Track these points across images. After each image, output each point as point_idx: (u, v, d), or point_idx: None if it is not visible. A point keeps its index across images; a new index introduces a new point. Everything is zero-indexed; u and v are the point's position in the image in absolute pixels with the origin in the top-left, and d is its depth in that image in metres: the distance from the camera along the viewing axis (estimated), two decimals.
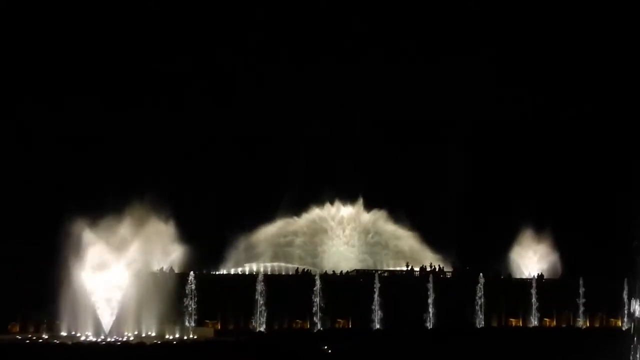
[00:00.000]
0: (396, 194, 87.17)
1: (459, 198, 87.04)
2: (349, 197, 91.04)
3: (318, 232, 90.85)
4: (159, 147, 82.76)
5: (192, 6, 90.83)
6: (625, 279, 66.09)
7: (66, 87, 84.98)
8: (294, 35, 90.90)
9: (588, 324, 72.79)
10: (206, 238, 72.31)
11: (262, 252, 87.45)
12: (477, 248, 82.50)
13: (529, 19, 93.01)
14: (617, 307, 69.60)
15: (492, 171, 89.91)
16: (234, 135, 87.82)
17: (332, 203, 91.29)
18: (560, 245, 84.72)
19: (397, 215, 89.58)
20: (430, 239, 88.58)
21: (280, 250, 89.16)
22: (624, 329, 66.18)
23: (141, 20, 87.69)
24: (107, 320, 58.21)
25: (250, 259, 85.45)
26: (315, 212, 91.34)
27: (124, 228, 58.84)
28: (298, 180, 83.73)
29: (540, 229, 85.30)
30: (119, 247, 58.01)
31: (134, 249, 58.65)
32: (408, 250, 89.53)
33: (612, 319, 72.70)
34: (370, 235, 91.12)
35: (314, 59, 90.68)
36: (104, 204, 59.96)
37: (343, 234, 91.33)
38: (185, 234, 65.23)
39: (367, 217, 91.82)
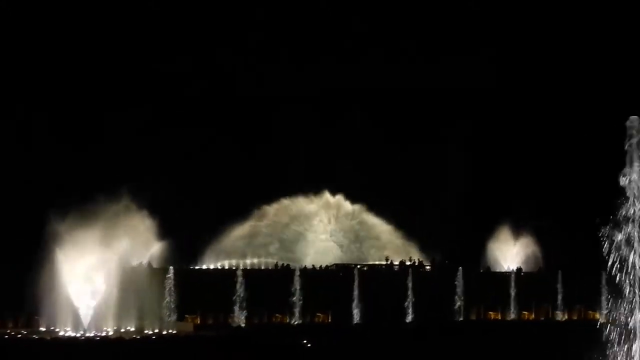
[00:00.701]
0: (379, 188, 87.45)
1: (439, 194, 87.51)
2: (331, 190, 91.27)
3: (298, 224, 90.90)
4: (150, 146, 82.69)
5: (192, 6, 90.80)
6: (603, 272, 66.43)
7: (66, 87, 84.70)
8: (294, 35, 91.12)
9: (566, 317, 73.24)
10: (186, 233, 72.19)
11: (241, 247, 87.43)
12: (456, 242, 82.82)
13: (528, 19, 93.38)
14: (595, 300, 70.02)
15: (477, 168, 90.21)
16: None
17: (315, 195, 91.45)
18: (539, 239, 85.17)
19: (379, 207, 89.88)
20: (410, 232, 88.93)
21: (259, 244, 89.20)
22: (601, 321, 66.60)
23: (141, 20, 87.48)
24: (85, 315, 57.92)
25: (229, 254, 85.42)
26: (294, 204, 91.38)
27: (103, 223, 58.52)
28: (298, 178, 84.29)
29: (519, 223, 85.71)
30: (98, 242, 57.70)
31: (113, 244, 58.36)
32: (388, 243, 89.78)
33: (590, 312, 73.15)
34: (351, 226, 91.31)
35: (314, 59, 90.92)
36: (86, 200, 59.70)
37: (324, 226, 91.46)
38: (165, 229, 65.10)
39: (349, 208, 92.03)
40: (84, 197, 60.84)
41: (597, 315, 70.66)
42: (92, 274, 58.17)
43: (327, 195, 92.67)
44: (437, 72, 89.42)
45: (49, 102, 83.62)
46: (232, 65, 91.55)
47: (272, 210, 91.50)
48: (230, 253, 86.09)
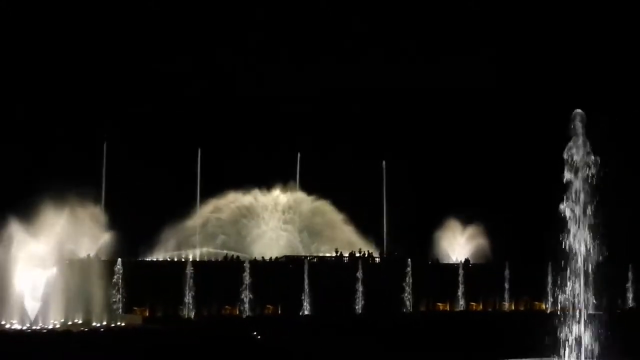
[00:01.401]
0: (332, 181, 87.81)
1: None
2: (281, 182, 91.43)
3: (246, 216, 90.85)
4: None
5: (192, 6, 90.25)
6: (549, 263, 67.47)
7: (65, 86, 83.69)
8: (294, 35, 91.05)
9: (513, 308, 74.22)
10: (136, 224, 71.75)
11: (190, 238, 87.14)
12: (404, 234, 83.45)
13: (529, 19, 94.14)
14: (541, 291, 71.07)
15: (420, 161, 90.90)
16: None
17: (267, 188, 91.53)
18: (487, 230, 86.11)
19: (331, 199, 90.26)
20: (360, 224, 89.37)
21: (208, 236, 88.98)
22: (548, 312, 67.61)
23: (141, 20, 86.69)
24: (32, 308, 57.25)
25: (179, 246, 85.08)
26: (243, 197, 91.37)
27: (51, 213, 57.87)
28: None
29: (467, 214, 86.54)
30: (45, 233, 57.07)
31: (60, 235, 57.73)
32: (339, 236, 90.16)
33: (536, 303, 74.21)
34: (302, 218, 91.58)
35: (314, 59, 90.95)
36: (31, 188, 59.11)
37: (272, 218, 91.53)
38: (114, 221, 64.64)
39: (302, 199, 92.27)
40: (34, 191, 60.25)
41: (543, 306, 71.77)
42: (38, 266, 57.46)
43: (279, 188, 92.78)
44: (437, 72, 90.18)
45: (48, 101, 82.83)
46: (232, 65, 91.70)
47: (222, 202, 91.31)
48: (180, 245, 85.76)
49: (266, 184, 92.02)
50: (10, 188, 67.20)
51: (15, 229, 56.67)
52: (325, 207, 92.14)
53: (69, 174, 61.43)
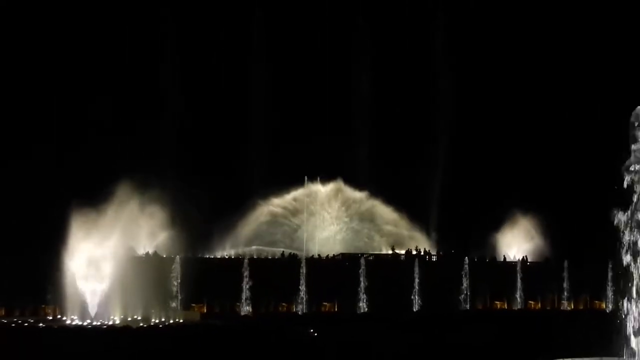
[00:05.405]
0: (383, 177, 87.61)
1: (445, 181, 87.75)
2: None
3: (304, 212, 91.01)
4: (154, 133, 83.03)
5: (191, 6, 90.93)
6: (610, 262, 66.50)
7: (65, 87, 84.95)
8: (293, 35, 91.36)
9: (572, 307, 73.31)
10: (193, 222, 72.36)
11: (248, 235, 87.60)
12: (462, 231, 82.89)
13: (529, 19, 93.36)
14: (601, 290, 70.10)
15: (477, 158, 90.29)
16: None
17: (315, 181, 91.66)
18: (545, 227, 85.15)
19: (385, 196, 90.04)
20: (417, 221, 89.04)
21: (264, 233, 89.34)
22: (607, 311, 66.72)
23: (141, 19, 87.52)
24: (92, 305, 58.13)
25: (236, 243, 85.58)
26: (298, 192, 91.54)
27: (110, 211, 58.68)
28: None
29: (525, 212, 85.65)
30: (105, 231, 57.89)
31: (119, 233, 58.52)
32: (395, 232, 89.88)
33: (596, 302, 73.21)
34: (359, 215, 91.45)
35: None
36: (94, 189, 59.96)
37: (330, 215, 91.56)
38: (173, 218, 65.25)
39: (355, 196, 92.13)
40: (89, 187, 61.11)
41: (603, 305, 70.77)
42: (99, 264, 58.32)
43: (334, 183, 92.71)
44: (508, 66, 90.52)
45: (48, 100, 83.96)
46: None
47: (278, 199, 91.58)
48: (238, 242, 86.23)
49: (322, 180, 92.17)
50: (72, 187, 68.25)
51: (77, 227, 57.61)
52: (380, 204, 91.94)
53: (128, 173, 62.10)
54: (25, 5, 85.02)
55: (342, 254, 79.80)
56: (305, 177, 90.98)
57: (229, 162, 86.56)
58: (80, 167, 75.46)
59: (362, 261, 69.85)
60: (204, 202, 78.71)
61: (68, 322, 56.44)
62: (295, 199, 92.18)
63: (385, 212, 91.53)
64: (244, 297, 64.92)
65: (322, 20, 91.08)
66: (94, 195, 58.84)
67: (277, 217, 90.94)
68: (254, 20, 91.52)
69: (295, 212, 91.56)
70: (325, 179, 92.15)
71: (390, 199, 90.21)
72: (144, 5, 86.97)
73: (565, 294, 73.12)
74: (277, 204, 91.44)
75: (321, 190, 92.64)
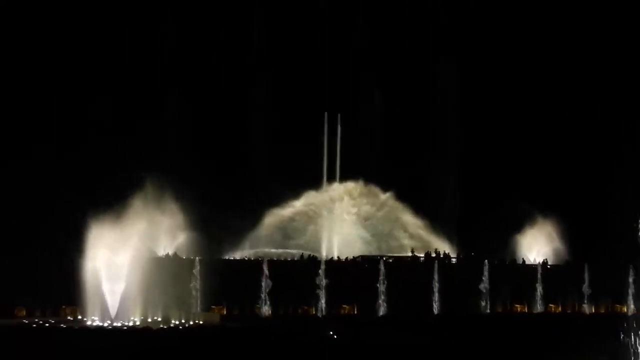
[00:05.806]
0: (401, 179, 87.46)
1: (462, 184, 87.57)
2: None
3: (321, 216, 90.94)
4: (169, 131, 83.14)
5: (191, 6, 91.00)
6: (631, 265, 66.18)
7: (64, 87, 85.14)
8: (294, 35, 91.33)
9: (593, 310, 72.88)
10: (213, 224, 72.43)
11: (267, 237, 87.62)
12: (481, 234, 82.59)
13: (529, 19, 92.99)
14: (622, 293, 69.68)
15: (497, 159, 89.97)
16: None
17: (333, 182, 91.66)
18: (566, 230, 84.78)
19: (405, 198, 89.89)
20: (436, 224, 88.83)
21: (284, 235, 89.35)
22: (629, 314, 66.33)
23: (141, 20, 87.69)
24: (113, 305, 58.31)
25: (255, 245, 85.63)
26: (317, 193, 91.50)
27: (130, 212, 58.85)
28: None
29: (545, 215, 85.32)
30: (125, 232, 58.05)
31: (139, 234, 58.68)
32: (415, 234, 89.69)
33: (617, 305, 72.76)
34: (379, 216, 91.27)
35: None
36: (112, 190, 60.12)
37: (348, 218, 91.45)
38: (192, 220, 65.33)
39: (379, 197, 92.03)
40: (109, 188, 61.28)
41: (625, 309, 70.38)
42: (119, 265, 58.51)
43: (356, 183, 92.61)
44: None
45: (48, 101, 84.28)
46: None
47: (298, 202, 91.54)
48: (257, 244, 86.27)
49: (341, 182, 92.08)
50: (92, 187, 68.50)
51: (97, 228, 57.81)
52: (400, 207, 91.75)
53: (150, 174, 62.29)
54: (25, 5, 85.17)
55: (362, 256, 79.73)
56: (324, 178, 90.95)
57: (240, 163, 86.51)
58: (80, 167, 75.59)
59: (382, 264, 69.70)
60: (223, 202, 78.81)
61: (89, 323, 56.64)
62: (313, 200, 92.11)
63: (409, 215, 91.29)
64: (263, 299, 64.90)
65: (322, 20, 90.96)
66: (112, 197, 59.00)
67: (295, 218, 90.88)
68: (254, 20, 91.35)
69: (314, 213, 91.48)
70: (343, 179, 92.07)
71: (412, 202, 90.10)
72: (144, 5, 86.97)
73: (586, 297, 72.72)
74: (295, 205, 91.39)
75: (341, 190, 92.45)
